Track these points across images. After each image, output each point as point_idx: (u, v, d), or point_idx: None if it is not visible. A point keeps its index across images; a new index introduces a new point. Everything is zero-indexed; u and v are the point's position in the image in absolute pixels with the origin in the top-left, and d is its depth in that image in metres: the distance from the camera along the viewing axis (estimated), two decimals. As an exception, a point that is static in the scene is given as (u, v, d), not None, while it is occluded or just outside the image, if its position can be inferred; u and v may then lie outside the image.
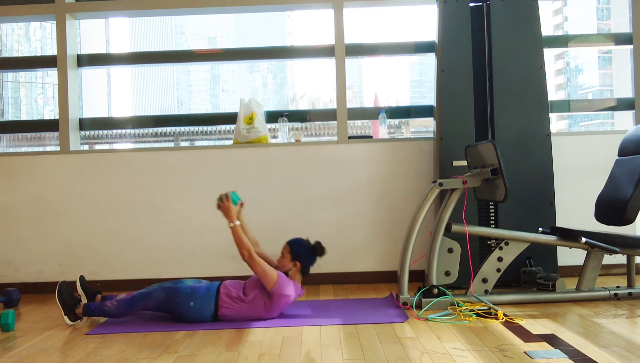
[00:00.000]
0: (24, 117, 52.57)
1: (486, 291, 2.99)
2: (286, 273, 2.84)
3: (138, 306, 2.78)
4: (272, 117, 4.02)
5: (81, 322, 2.84)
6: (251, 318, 2.78)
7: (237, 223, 2.76)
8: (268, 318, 2.78)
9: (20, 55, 47.35)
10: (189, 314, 2.73)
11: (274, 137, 4.07)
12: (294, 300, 2.85)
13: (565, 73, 59.22)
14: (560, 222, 3.53)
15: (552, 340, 2.28)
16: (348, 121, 3.87)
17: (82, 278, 2.97)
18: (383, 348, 2.25)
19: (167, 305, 2.75)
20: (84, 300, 2.89)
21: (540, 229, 3.25)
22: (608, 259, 3.30)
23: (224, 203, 2.79)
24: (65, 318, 2.80)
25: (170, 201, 3.79)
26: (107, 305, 2.78)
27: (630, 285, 3.04)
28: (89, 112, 63.13)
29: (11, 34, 54.28)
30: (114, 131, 8.60)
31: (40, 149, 8.05)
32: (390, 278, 3.73)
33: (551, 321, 2.59)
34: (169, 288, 2.78)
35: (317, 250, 2.89)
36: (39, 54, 46.17)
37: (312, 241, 2.92)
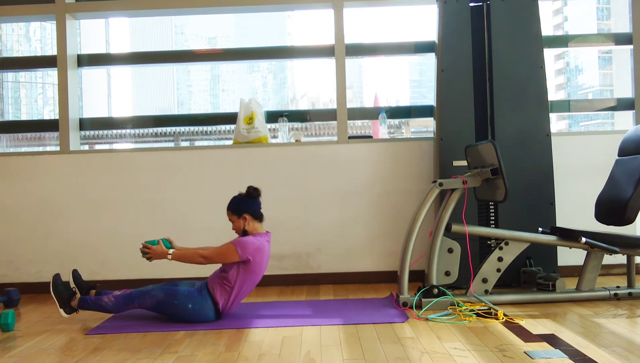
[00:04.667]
0: (24, 117, 52.55)
1: (486, 291, 2.99)
2: (245, 232, 2.85)
3: (135, 303, 2.79)
4: (272, 117, 4.02)
5: (77, 314, 2.85)
6: (248, 291, 2.81)
7: (171, 251, 2.81)
8: (259, 278, 2.82)
9: (20, 55, 47.36)
10: (189, 316, 2.74)
11: (274, 137, 4.07)
12: (268, 246, 2.86)
13: (565, 73, 59.21)
14: (560, 222, 3.53)
15: (552, 340, 2.28)
16: (348, 121, 3.87)
17: (75, 271, 2.97)
18: (383, 348, 2.25)
19: (164, 305, 2.75)
20: (78, 295, 2.89)
21: (540, 229, 3.25)
22: (608, 259, 3.30)
23: (148, 251, 2.81)
24: (61, 310, 2.81)
25: (170, 201, 3.79)
26: (104, 299, 2.80)
27: (630, 285, 3.04)
28: (89, 112, 63.13)
29: (11, 34, 54.28)
30: (114, 131, 8.60)
31: (40, 149, 8.05)
32: (390, 278, 3.73)
33: (551, 321, 2.59)
34: (168, 289, 2.79)
35: (251, 192, 2.89)
36: (39, 54, 46.17)
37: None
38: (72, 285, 2.93)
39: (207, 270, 3.65)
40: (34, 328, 2.81)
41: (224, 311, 2.80)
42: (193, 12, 4.15)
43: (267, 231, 2.94)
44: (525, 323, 2.57)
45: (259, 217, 2.90)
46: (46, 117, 49.91)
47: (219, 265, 2.87)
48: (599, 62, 55.64)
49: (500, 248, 3.01)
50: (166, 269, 3.73)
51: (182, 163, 3.81)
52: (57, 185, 3.82)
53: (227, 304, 2.78)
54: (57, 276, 2.86)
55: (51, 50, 44.06)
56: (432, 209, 3.54)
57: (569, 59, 58.54)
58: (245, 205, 2.86)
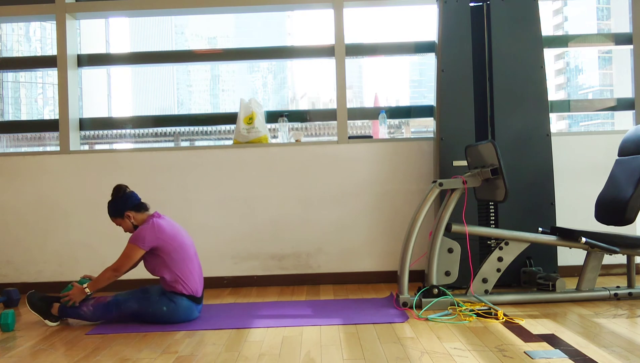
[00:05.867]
0: (24, 117, 52.60)
1: (486, 291, 2.99)
2: (136, 228, 2.87)
3: (113, 312, 2.80)
4: (272, 117, 4.02)
5: (62, 321, 2.87)
6: (188, 260, 2.80)
7: (85, 286, 2.82)
8: (186, 243, 2.84)
9: (20, 55, 47.34)
10: (169, 317, 2.75)
11: (274, 137, 4.07)
12: (166, 221, 2.86)
13: (565, 73, 59.24)
14: (560, 222, 3.53)
15: (552, 340, 2.28)
16: (348, 121, 3.87)
17: (34, 294, 2.90)
18: (383, 348, 2.25)
19: (142, 314, 2.78)
20: (57, 304, 2.87)
21: (540, 229, 3.25)
22: (608, 259, 3.30)
23: (67, 298, 2.82)
24: (47, 322, 2.83)
25: (170, 201, 3.79)
26: (82, 309, 2.80)
27: (630, 285, 3.04)
28: (89, 112, 63.17)
29: (11, 34, 54.32)
30: (114, 131, 8.59)
31: (40, 149, 8.05)
32: (390, 278, 3.73)
33: (551, 321, 2.59)
34: (140, 298, 2.80)
35: (117, 192, 2.90)
36: (39, 54, 46.17)
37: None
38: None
39: (206, 270, 3.67)
40: (34, 328, 2.81)
41: (193, 292, 2.79)
42: (193, 12, 4.15)
43: (153, 214, 2.91)
44: (525, 323, 2.57)
45: (142, 208, 2.91)
46: (46, 117, 49.92)
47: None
48: (599, 62, 55.66)
49: (500, 248, 3.01)
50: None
51: (182, 163, 3.81)
52: (57, 185, 3.82)
53: (186, 286, 2.77)
54: (30, 294, 2.87)
55: (51, 50, 44.09)
56: (432, 209, 3.55)
57: (569, 59, 58.56)
58: (123, 204, 2.87)
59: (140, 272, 3.79)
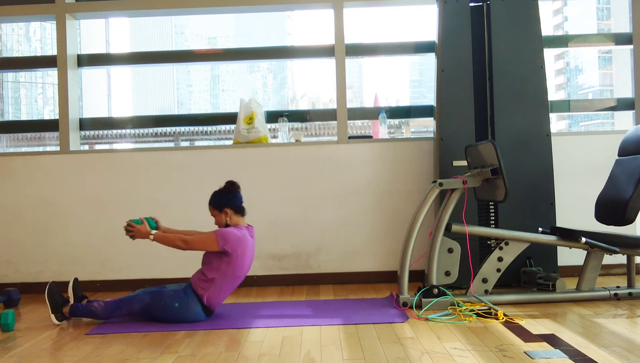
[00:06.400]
0: (24, 117, 52.57)
1: (486, 291, 2.99)
2: (227, 226, 2.85)
3: (124, 309, 2.79)
4: (272, 117, 4.02)
5: (67, 322, 2.86)
6: (231, 286, 2.80)
7: (153, 232, 2.80)
8: (244, 272, 2.82)
9: (20, 55, 47.36)
10: (177, 315, 2.74)
11: (274, 137, 4.07)
12: (252, 241, 2.86)
13: (565, 73, 59.22)
14: (560, 222, 3.53)
15: (552, 340, 2.29)
16: (348, 121, 3.87)
17: (76, 280, 2.96)
18: (383, 348, 2.25)
19: (152, 308, 2.76)
20: (72, 301, 2.90)
21: (540, 229, 3.25)
22: (608, 259, 3.30)
23: (133, 229, 2.81)
24: (53, 316, 2.83)
25: (170, 201, 3.79)
26: (94, 305, 2.81)
27: (630, 285, 3.04)
28: (89, 112, 63.13)
29: (11, 34, 54.31)
30: (114, 131, 8.61)
31: (40, 149, 8.05)
32: (390, 278, 3.73)
33: (551, 321, 2.59)
34: (154, 292, 2.80)
35: (229, 186, 2.90)
36: (39, 54, 46.19)
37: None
38: (70, 291, 2.92)
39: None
40: (34, 328, 2.81)
41: (211, 306, 2.79)
42: (193, 12, 4.15)
43: (249, 225, 2.93)
44: (525, 323, 2.57)
45: (240, 211, 2.91)
46: (46, 117, 49.90)
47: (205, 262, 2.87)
48: (599, 62, 55.63)
49: (500, 248, 3.01)
50: (165, 269, 3.74)
51: (182, 163, 3.81)
52: (57, 185, 3.82)
53: (211, 298, 2.77)
54: (52, 284, 2.87)
55: (51, 50, 44.07)
56: (432, 209, 3.54)
57: (569, 59, 58.54)
58: (226, 199, 2.87)
59: (153, 272, 3.80)
